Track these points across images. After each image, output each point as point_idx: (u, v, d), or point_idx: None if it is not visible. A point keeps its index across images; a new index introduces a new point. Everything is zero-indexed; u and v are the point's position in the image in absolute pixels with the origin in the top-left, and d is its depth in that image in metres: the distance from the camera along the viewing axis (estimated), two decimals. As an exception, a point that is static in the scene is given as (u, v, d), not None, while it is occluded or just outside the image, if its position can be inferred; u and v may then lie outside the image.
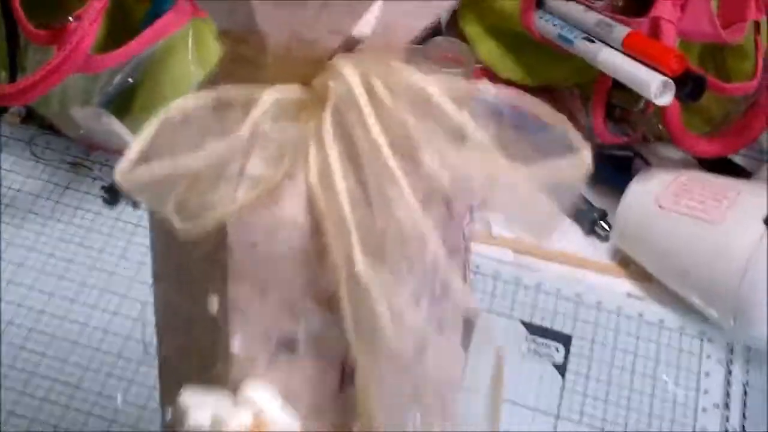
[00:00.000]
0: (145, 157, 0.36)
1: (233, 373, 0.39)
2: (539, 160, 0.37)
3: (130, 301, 0.71)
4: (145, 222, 0.76)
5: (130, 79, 0.75)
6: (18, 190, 0.77)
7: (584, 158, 0.37)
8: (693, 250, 0.73)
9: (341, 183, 0.37)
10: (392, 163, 0.36)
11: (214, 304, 0.39)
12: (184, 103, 0.36)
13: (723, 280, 0.71)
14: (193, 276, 0.40)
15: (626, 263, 0.78)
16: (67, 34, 0.68)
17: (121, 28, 0.73)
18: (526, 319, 0.74)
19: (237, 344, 0.39)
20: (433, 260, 0.38)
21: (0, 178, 0.77)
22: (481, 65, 0.86)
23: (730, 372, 0.73)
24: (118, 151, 0.78)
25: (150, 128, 0.36)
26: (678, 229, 0.74)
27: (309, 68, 0.38)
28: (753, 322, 0.71)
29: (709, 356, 0.73)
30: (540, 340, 0.73)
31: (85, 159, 0.79)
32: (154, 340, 0.44)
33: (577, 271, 0.78)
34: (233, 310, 0.39)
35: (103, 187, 0.78)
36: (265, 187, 0.37)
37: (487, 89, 0.38)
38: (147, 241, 0.73)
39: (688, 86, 0.74)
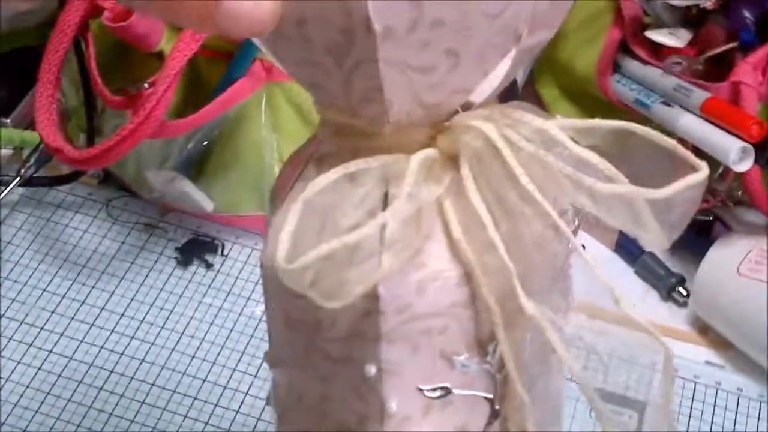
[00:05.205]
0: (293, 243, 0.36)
1: (389, 430, 0.41)
2: (655, 183, 0.38)
3: (199, 361, 0.72)
4: (217, 283, 0.76)
5: (204, 143, 0.75)
6: (94, 251, 0.78)
7: (702, 174, 0.38)
8: (773, 319, 0.71)
9: (494, 232, 0.38)
10: (547, 205, 0.38)
11: (371, 370, 0.40)
12: (319, 182, 0.37)
13: (804, 351, 0.69)
14: (326, 354, 0.42)
15: (705, 330, 0.76)
16: (141, 100, 0.69)
17: (196, 93, 0.75)
18: (598, 386, 0.72)
19: (395, 405, 0.41)
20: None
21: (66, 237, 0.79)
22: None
23: (812, 443, 0.70)
24: (192, 213, 0.79)
25: (294, 213, 0.36)
26: (757, 298, 0.72)
27: (427, 131, 0.39)
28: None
29: (790, 426, 0.71)
30: (612, 407, 0.71)
31: (160, 220, 0.80)
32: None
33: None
34: (387, 372, 0.40)
35: (176, 248, 0.78)
36: (409, 251, 0.38)
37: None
38: (217, 302, 0.74)
39: (769, 152, 0.72)
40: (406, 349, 0.40)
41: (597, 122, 0.39)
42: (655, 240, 0.39)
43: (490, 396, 0.42)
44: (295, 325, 0.42)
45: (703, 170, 0.39)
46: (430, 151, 0.39)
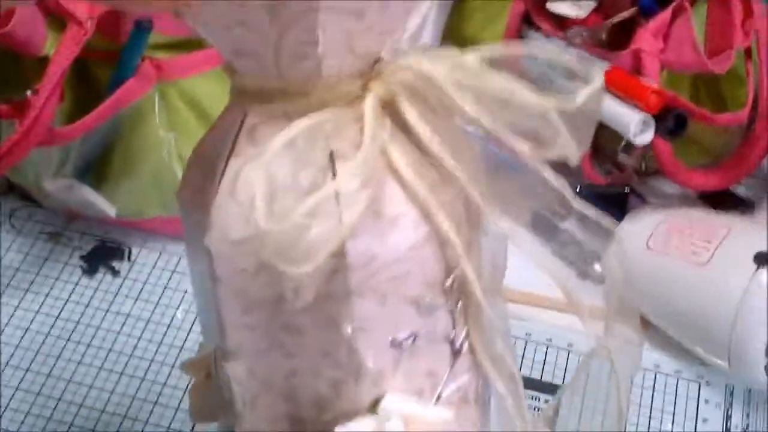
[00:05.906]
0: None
1: (365, 389, 0.41)
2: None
3: (106, 372, 0.70)
4: (125, 290, 0.75)
5: (101, 147, 0.74)
6: (-5, 265, 0.77)
7: (597, 85, 0.40)
8: (684, 293, 0.70)
9: (451, 161, 0.40)
10: (495, 126, 0.39)
11: (347, 329, 0.40)
12: (274, 145, 0.37)
13: (716, 324, 0.69)
14: (291, 328, 0.41)
15: (622, 307, 0.76)
16: (26, 108, 0.67)
17: (87, 97, 0.73)
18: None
19: (371, 361, 0.41)
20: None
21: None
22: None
23: (729, 417, 0.70)
24: (98, 219, 0.78)
25: (258, 177, 0.36)
26: (668, 273, 0.71)
27: (358, 82, 0.39)
28: (748, 364, 0.68)
29: (707, 401, 0.70)
30: (528, 392, 0.71)
31: (65, 229, 0.79)
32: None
33: (569, 318, 0.75)
34: (360, 329, 0.40)
35: (81, 257, 0.77)
36: (366, 200, 0.38)
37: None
38: (125, 309, 0.73)
39: (669, 122, 0.71)
40: (375, 301, 0.40)
41: (504, 48, 0.41)
42: (571, 155, 0.41)
43: (451, 335, 0.43)
44: (254, 307, 0.42)
45: (599, 76, 0.40)
46: (371, 99, 0.39)
